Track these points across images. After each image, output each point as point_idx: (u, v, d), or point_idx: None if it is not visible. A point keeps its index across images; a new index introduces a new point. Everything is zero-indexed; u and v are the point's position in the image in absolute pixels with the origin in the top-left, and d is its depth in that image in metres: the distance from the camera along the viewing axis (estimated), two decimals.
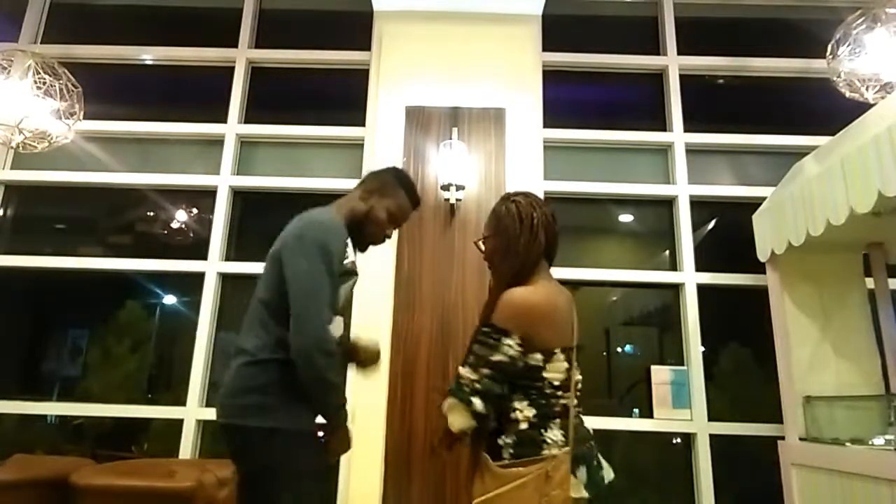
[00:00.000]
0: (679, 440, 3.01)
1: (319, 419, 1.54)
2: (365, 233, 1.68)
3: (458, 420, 1.32)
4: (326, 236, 1.51)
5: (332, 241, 1.51)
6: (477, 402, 1.31)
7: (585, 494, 1.31)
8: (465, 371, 1.34)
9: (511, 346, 1.33)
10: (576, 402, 1.40)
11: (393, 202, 1.69)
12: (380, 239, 1.71)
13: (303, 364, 1.41)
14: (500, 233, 1.49)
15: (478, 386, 1.32)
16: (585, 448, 1.37)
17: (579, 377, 1.43)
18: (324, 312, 1.44)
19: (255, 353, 1.48)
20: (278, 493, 1.42)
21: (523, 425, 1.34)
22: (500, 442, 1.34)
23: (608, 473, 1.41)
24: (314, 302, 1.44)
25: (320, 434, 1.56)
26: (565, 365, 1.38)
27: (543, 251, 1.46)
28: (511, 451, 1.32)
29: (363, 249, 1.72)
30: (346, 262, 1.54)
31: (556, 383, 1.37)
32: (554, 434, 1.33)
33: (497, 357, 1.32)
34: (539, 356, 1.35)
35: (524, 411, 1.35)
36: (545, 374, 1.36)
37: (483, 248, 1.55)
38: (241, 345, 1.53)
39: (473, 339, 1.38)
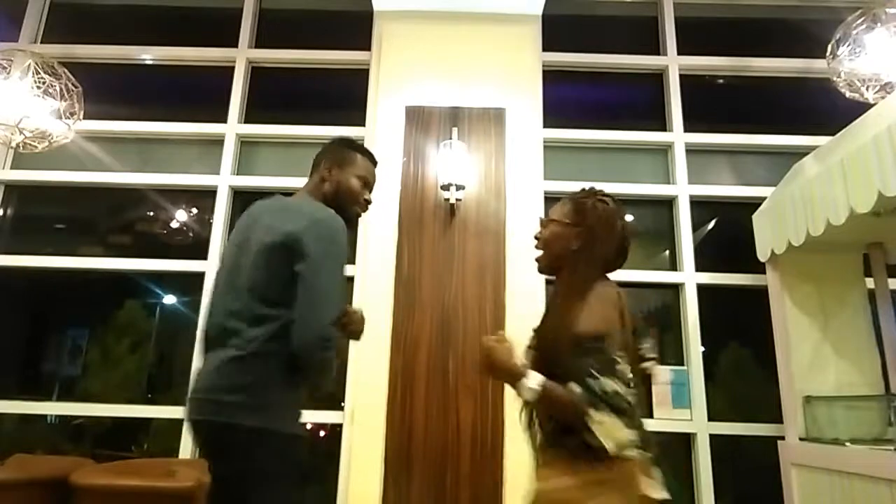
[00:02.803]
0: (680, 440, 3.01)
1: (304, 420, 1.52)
2: (347, 208, 1.64)
3: (624, 437, 1.21)
4: (340, 234, 1.49)
5: (344, 237, 1.50)
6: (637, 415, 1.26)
7: (666, 495, 1.25)
8: (613, 383, 1.22)
9: (614, 346, 1.26)
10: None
11: (356, 168, 1.67)
12: (363, 207, 1.69)
13: (305, 356, 1.38)
14: (583, 227, 1.40)
15: (631, 397, 1.24)
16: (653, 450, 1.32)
17: (630, 375, 1.36)
18: (334, 312, 1.42)
19: (245, 346, 1.39)
20: (257, 497, 1.35)
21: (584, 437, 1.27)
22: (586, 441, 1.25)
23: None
24: (327, 301, 1.41)
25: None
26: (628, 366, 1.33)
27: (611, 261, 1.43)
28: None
29: (352, 225, 1.68)
30: None
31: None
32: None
33: (620, 366, 1.25)
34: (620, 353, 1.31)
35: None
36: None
37: (543, 226, 1.49)
38: (223, 337, 1.44)
39: (583, 350, 1.26)
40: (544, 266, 1.49)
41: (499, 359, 1.33)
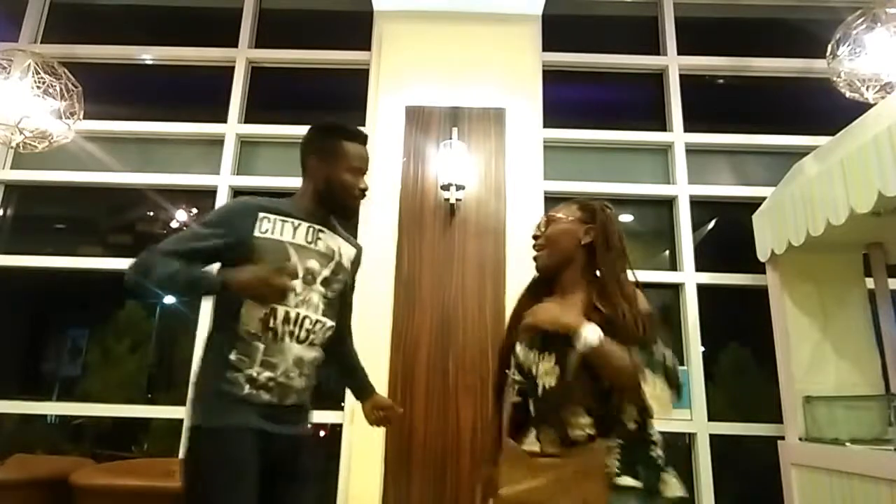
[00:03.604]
0: (680, 441, 3.01)
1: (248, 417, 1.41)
2: (342, 201, 1.57)
3: (668, 405, 1.25)
4: (223, 206, 1.55)
5: (225, 207, 1.54)
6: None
7: (684, 494, 1.25)
8: (668, 351, 1.25)
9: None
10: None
11: (345, 159, 1.54)
12: (359, 196, 1.58)
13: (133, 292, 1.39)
14: (594, 224, 1.41)
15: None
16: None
17: None
18: (162, 245, 1.42)
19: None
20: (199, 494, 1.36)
21: (631, 426, 1.27)
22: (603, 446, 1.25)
23: None
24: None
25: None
26: None
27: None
28: (619, 456, 1.23)
29: (352, 217, 1.64)
30: (261, 234, 1.45)
31: None
32: (656, 433, 1.29)
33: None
34: None
35: (629, 410, 1.28)
36: None
37: (544, 225, 1.48)
38: None
39: (634, 325, 1.27)
40: (547, 263, 1.45)
41: (553, 310, 1.32)
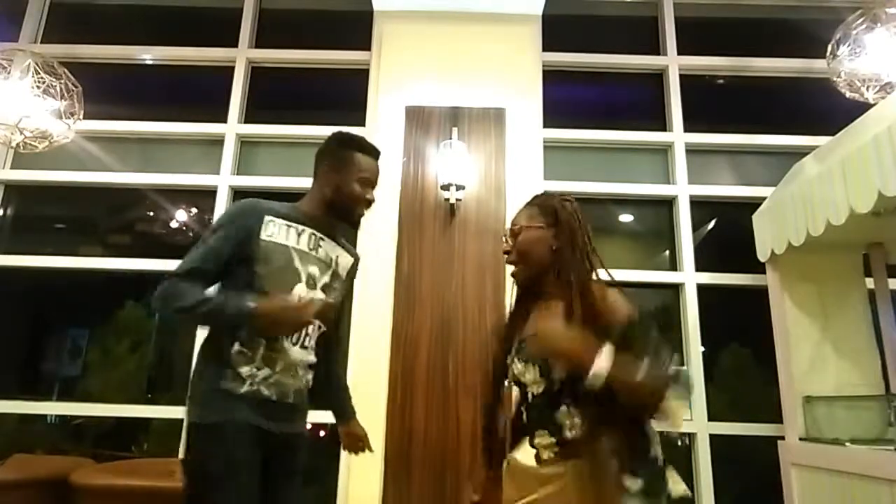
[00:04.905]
0: (681, 441, 3.01)
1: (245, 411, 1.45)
2: (350, 210, 1.61)
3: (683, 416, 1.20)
4: (229, 209, 1.55)
5: (231, 210, 1.53)
6: None
7: (687, 493, 1.21)
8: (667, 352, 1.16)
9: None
10: None
11: (355, 169, 1.60)
12: (366, 207, 1.63)
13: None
14: (558, 226, 1.35)
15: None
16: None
17: None
18: (184, 263, 1.43)
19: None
20: (202, 490, 1.38)
21: (626, 424, 1.19)
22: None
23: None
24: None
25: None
26: None
27: None
28: (618, 456, 1.17)
29: (357, 226, 1.66)
30: (267, 237, 1.48)
31: None
32: (652, 430, 1.23)
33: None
34: None
35: (622, 409, 1.20)
36: None
37: (511, 237, 1.40)
38: None
39: (637, 339, 1.19)
40: (525, 276, 1.40)
41: (567, 340, 1.20)
